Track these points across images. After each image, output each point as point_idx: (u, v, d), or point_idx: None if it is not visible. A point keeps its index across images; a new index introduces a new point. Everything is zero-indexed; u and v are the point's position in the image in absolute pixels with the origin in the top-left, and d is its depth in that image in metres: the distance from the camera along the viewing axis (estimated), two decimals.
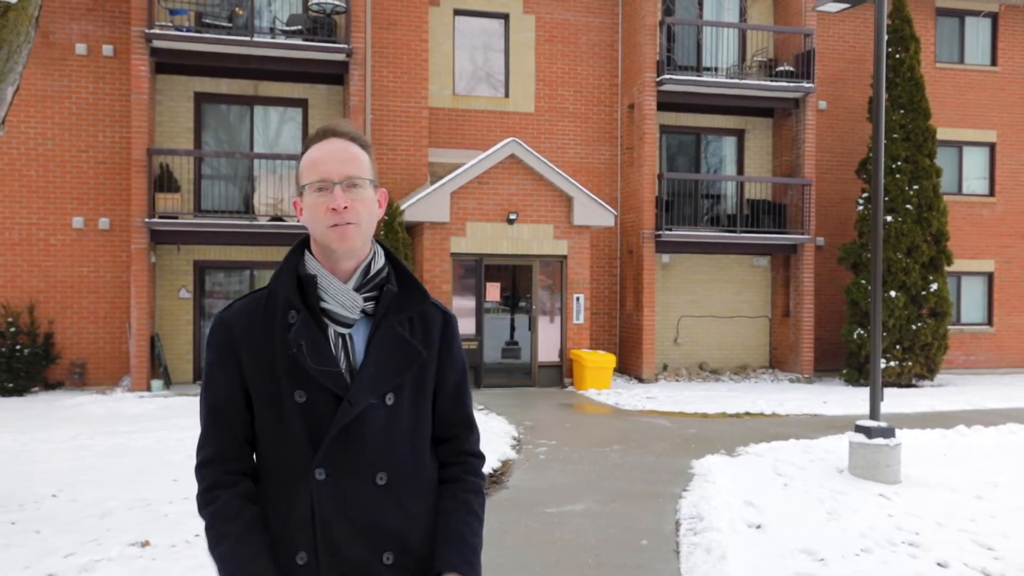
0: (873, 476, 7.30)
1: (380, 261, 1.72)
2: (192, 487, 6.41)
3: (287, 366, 1.61)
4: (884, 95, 7.84)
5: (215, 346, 1.67)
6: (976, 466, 8.02)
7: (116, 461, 7.71)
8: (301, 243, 1.73)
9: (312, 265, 1.67)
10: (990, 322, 17.75)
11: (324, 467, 1.59)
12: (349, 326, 1.65)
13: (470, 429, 1.82)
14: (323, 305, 1.64)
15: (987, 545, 5.56)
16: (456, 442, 1.80)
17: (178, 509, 5.87)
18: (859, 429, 7.51)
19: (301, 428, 1.60)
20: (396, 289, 1.71)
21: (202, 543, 5.09)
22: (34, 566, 4.60)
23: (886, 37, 15.27)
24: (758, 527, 5.84)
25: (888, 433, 7.36)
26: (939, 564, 5.19)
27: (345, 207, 1.61)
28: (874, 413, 7.72)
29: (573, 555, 5.24)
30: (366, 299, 1.67)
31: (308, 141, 1.69)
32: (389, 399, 1.65)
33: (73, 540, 5.10)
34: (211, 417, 1.65)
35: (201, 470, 1.65)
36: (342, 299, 1.64)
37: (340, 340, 1.64)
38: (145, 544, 5.05)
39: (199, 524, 5.47)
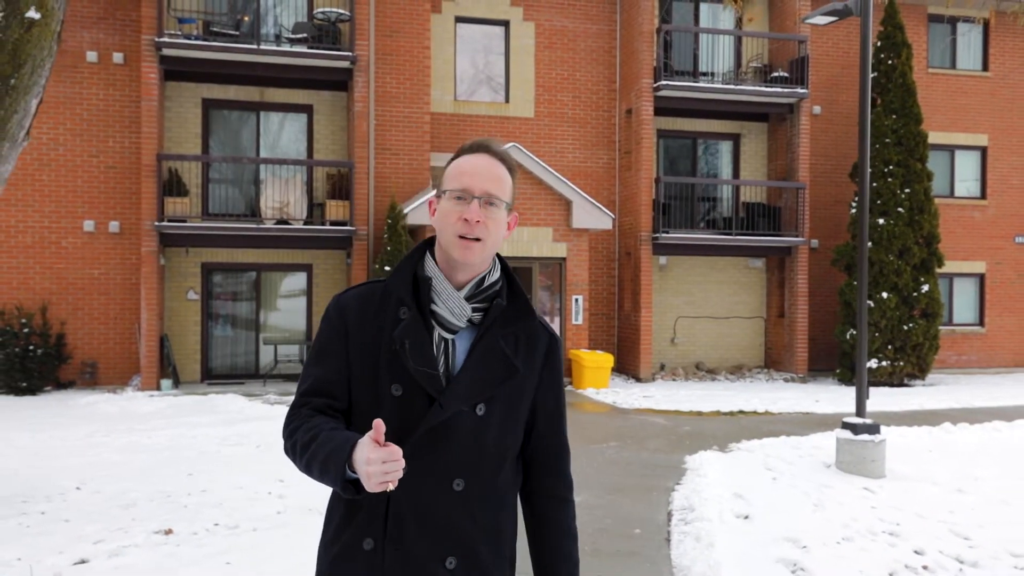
0: (859, 471, 7.61)
1: (495, 275, 1.76)
2: (208, 482, 6.75)
3: (389, 359, 1.67)
4: (869, 106, 8.14)
5: (330, 325, 1.74)
6: (959, 462, 8.31)
7: (133, 457, 8.03)
8: (424, 243, 1.79)
9: (430, 267, 1.73)
10: (981, 323, 18.08)
11: (407, 463, 1.60)
12: (454, 332, 1.70)
13: (568, 452, 1.87)
14: (433, 308, 1.69)
15: (964, 535, 5.86)
16: (558, 467, 1.84)
17: (197, 500, 6.20)
18: (846, 426, 7.83)
19: (393, 421, 1.64)
20: (505, 303, 1.75)
21: (223, 532, 5.43)
22: (67, 551, 4.93)
23: (879, 44, 15.66)
24: (746, 518, 6.16)
25: (873, 430, 7.68)
26: (916, 552, 5.50)
27: (477, 221, 1.66)
28: (860, 411, 8.04)
29: None
30: (475, 309, 1.71)
31: (460, 150, 1.75)
32: (480, 409, 1.68)
33: (100, 528, 5.42)
34: (314, 385, 1.73)
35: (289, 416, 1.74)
36: (451, 305, 1.68)
37: (444, 344, 1.69)
38: (168, 532, 5.37)
39: (218, 514, 5.82)
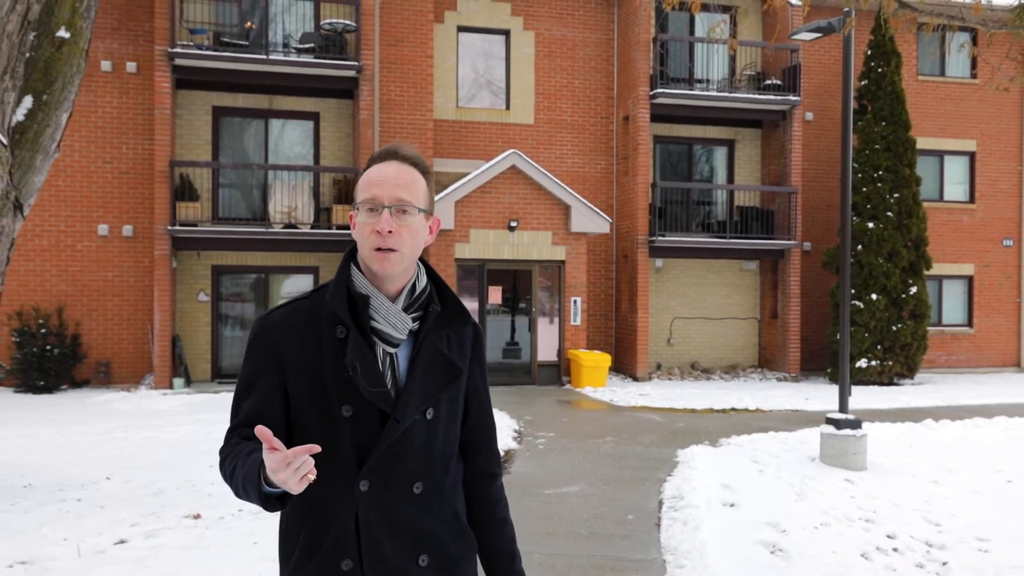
0: (841, 464, 8.04)
1: (423, 280, 1.75)
2: None
3: (336, 382, 1.65)
4: (851, 118, 8.59)
5: (257, 352, 1.69)
6: (938, 456, 8.72)
7: (153, 450, 8.48)
8: (348, 257, 1.75)
9: (361, 283, 1.69)
10: (970, 323, 18.53)
11: (368, 479, 1.65)
12: (396, 345, 1.68)
13: (496, 430, 1.92)
14: (373, 324, 1.66)
15: (935, 522, 6.28)
16: (489, 447, 1.89)
17: (221, 489, 6.64)
18: (829, 421, 8.26)
19: (348, 440, 1.65)
20: (440, 309, 1.76)
21: (247, 516, 5.88)
22: (107, 533, 5.38)
23: (869, 52, 16.10)
24: (731, 505, 6.60)
25: (855, 425, 8.12)
26: (888, 536, 5.93)
27: (389, 231, 1.62)
28: (843, 407, 8.49)
29: (568, 527, 6.01)
30: (412, 319, 1.70)
31: (370, 159, 1.71)
32: (429, 414, 1.71)
33: (134, 513, 5.87)
34: (244, 420, 1.67)
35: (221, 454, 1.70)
36: (393, 320, 1.66)
37: (387, 359, 1.68)
38: (197, 517, 5.82)
39: (242, 501, 6.26)
